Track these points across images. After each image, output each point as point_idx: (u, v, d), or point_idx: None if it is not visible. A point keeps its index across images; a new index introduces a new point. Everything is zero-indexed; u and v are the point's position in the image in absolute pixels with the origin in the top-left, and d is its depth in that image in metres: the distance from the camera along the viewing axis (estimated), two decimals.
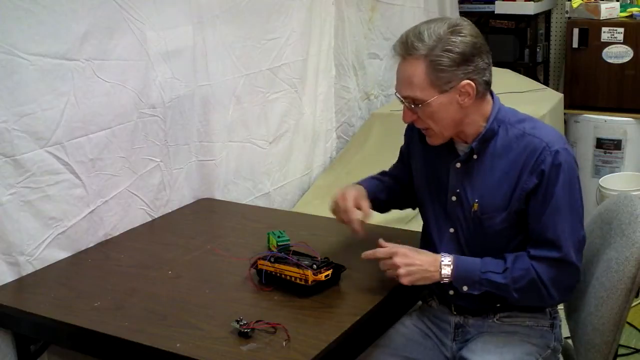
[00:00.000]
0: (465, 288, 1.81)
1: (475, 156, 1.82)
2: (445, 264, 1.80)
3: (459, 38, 1.71)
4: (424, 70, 1.72)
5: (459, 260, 1.81)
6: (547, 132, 1.79)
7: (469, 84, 1.73)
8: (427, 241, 1.96)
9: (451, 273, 1.80)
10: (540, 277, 1.76)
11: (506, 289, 1.78)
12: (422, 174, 1.95)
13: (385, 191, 2.11)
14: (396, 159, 2.15)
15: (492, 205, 1.81)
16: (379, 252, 1.84)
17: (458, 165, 1.85)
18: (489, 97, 1.83)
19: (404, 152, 2.09)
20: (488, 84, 1.80)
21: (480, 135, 1.80)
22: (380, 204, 2.11)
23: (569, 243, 1.75)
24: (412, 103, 1.77)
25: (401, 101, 1.81)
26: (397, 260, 1.80)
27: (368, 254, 1.85)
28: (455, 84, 1.73)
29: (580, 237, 1.78)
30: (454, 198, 1.86)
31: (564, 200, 1.74)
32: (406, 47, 1.74)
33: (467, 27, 1.75)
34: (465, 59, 1.72)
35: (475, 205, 1.82)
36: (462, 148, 1.86)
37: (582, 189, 1.80)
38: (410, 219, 2.38)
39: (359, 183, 2.09)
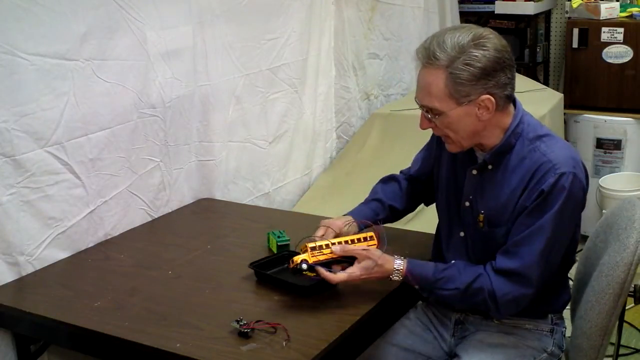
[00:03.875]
0: (417, 286, 1.83)
1: (490, 166, 1.81)
2: (397, 274, 1.80)
3: (481, 52, 1.67)
4: (444, 81, 1.69)
5: (411, 264, 1.81)
6: (559, 153, 1.73)
7: (488, 98, 1.70)
8: (438, 242, 1.98)
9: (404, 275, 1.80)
10: (494, 293, 1.74)
11: (454, 302, 1.84)
12: (444, 176, 1.94)
13: (395, 203, 2.10)
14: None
15: (497, 219, 1.79)
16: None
17: (474, 172, 1.83)
18: (511, 108, 1.79)
19: (432, 152, 2.04)
20: (510, 97, 1.76)
21: (495, 148, 1.78)
22: (389, 217, 2.10)
23: (535, 263, 1.72)
24: (429, 112, 1.75)
25: (420, 108, 1.79)
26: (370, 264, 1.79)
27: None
28: (474, 97, 1.69)
29: (547, 264, 1.74)
30: (467, 203, 1.85)
31: (550, 225, 1.70)
32: (428, 55, 1.70)
33: (492, 40, 1.69)
34: (486, 73, 1.68)
35: (481, 216, 1.82)
36: (479, 155, 1.84)
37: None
38: (410, 219, 2.37)
39: (349, 214, 2.05)
